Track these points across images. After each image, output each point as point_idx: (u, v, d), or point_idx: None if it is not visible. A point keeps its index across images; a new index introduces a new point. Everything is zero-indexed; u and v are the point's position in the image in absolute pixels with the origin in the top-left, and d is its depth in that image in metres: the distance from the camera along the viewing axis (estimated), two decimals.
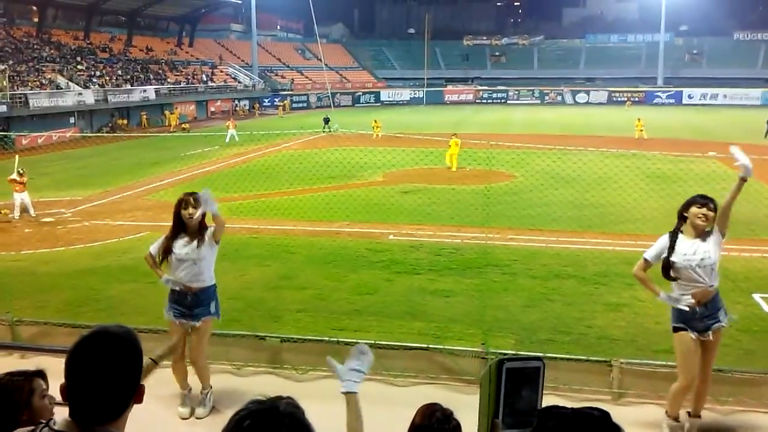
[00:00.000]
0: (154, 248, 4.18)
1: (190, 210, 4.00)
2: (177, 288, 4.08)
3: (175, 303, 4.17)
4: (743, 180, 3.63)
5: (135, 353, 1.30)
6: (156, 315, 5.92)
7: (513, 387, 1.20)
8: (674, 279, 3.73)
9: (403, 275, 8.07)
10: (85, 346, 1.26)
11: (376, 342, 4.95)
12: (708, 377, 3.79)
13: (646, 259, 3.82)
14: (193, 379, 4.33)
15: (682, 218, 3.75)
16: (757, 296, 6.99)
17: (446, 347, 4.89)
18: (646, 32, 59.89)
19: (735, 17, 58.94)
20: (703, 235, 3.69)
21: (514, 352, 4.98)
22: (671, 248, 3.69)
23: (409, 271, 8.23)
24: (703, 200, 3.70)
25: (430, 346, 4.89)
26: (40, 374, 1.86)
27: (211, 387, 4.31)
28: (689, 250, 3.66)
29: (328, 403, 4.56)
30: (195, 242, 4.05)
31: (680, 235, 3.73)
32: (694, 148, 19.91)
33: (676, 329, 3.79)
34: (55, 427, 1.26)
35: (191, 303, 4.13)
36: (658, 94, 49.73)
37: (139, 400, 1.32)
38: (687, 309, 3.66)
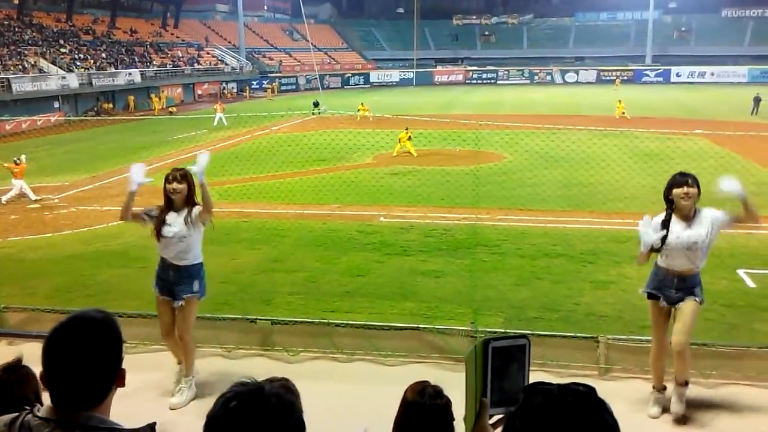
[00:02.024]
0: (142, 210, 4.12)
1: (174, 185, 3.98)
2: (134, 188, 3.97)
3: (159, 277, 4.16)
4: (744, 201, 3.69)
5: (113, 337, 1.29)
6: (146, 300, 5.89)
7: (500, 366, 1.21)
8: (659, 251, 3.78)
9: (394, 257, 8.11)
10: (61, 332, 1.25)
11: (367, 323, 5.00)
12: (681, 343, 3.74)
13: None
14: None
15: (669, 202, 3.78)
16: (741, 272, 7.13)
17: (436, 327, 4.96)
18: (635, 10, 59.52)
19: None
20: (693, 215, 3.72)
21: (503, 330, 5.05)
22: (667, 231, 3.72)
23: (399, 253, 8.27)
24: (683, 178, 3.73)
25: (421, 326, 4.95)
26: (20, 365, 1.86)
27: (194, 376, 4.21)
28: (682, 232, 3.70)
29: (319, 382, 4.62)
30: (182, 219, 4.02)
31: (672, 218, 3.76)
32: (681, 126, 20.03)
33: (649, 295, 3.89)
34: (39, 414, 1.26)
35: (174, 279, 4.09)
36: (647, 72, 49.72)
37: (121, 384, 1.31)
38: (655, 241, 3.67)
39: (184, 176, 4.02)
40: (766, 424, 3.84)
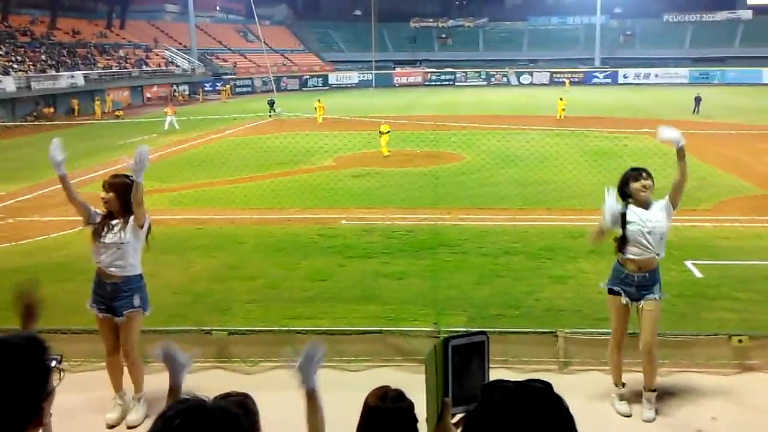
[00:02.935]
0: (86, 205, 3.92)
1: (102, 194, 3.82)
2: (59, 171, 3.77)
3: (95, 293, 3.91)
4: (681, 150, 3.76)
5: (36, 368, 1.12)
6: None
7: (460, 364, 1.20)
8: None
9: (356, 260, 8.01)
10: None
11: (329, 329, 4.89)
12: (649, 343, 3.83)
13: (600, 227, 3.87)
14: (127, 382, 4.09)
15: (625, 196, 3.85)
16: (689, 263, 7.46)
17: (399, 329, 4.90)
18: (583, 14, 62.04)
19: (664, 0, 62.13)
20: (648, 205, 3.82)
21: (465, 329, 5.06)
22: (623, 222, 3.78)
23: (362, 255, 8.18)
24: (637, 173, 3.83)
25: (383, 328, 4.88)
26: None
27: (144, 392, 4.01)
28: (639, 218, 3.78)
29: (279, 392, 4.46)
30: (118, 225, 3.82)
31: (630, 207, 3.83)
32: (629, 125, 20.93)
33: (610, 291, 3.94)
34: None
35: (111, 294, 3.86)
36: (596, 74, 51.85)
37: (39, 424, 1.14)
38: (616, 213, 3.69)
39: (112, 185, 3.82)
40: (716, 409, 3.99)
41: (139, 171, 3.66)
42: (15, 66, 31.75)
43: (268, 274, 7.50)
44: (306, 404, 1.95)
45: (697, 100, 27.65)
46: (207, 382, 4.24)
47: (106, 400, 4.05)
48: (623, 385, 4.04)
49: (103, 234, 3.80)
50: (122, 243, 3.78)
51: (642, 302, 3.85)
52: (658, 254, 3.84)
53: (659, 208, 3.84)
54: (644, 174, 3.82)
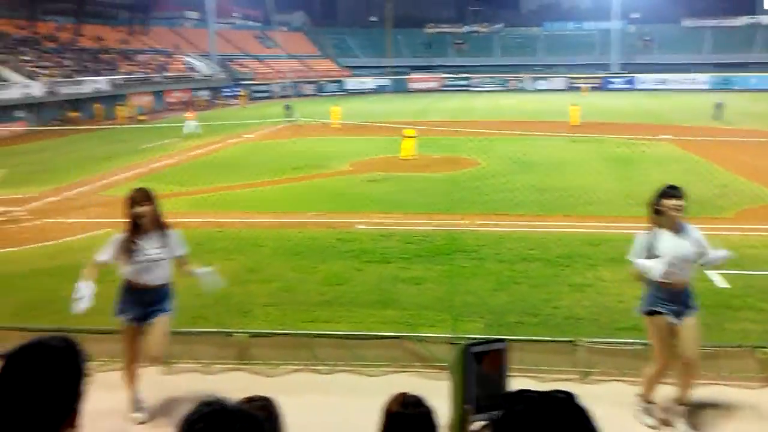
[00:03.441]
0: (107, 256, 3.87)
1: (138, 209, 3.77)
2: (80, 309, 3.77)
3: (128, 302, 3.95)
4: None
5: (72, 371, 1.16)
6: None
7: (480, 371, 1.21)
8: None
9: (373, 264, 8.04)
10: (16, 359, 1.13)
11: (348, 333, 4.93)
12: (696, 356, 3.78)
13: (633, 262, 3.84)
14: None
15: (656, 212, 3.78)
16: (711, 273, 7.33)
17: (417, 334, 4.92)
18: (600, 20, 61.48)
19: (683, 5, 61.16)
20: (679, 226, 3.76)
21: (483, 336, 5.06)
22: (655, 246, 3.72)
23: (379, 260, 8.21)
24: (673, 191, 3.76)
25: (401, 334, 4.90)
26: None
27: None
28: (674, 241, 3.72)
29: (301, 396, 4.52)
30: (157, 240, 3.86)
31: (660, 230, 3.76)
32: (647, 131, 20.67)
33: (651, 312, 3.81)
34: None
35: (147, 303, 3.93)
36: (613, 80, 51.30)
37: (72, 425, 1.17)
38: (661, 275, 3.67)
39: (147, 196, 3.81)
40: (741, 422, 3.92)
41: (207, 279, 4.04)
42: (41, 71, 32.62)
43: (285, 278, 7.57)
44: None
45: (718, 106, 27.20)
46: (229, 384, 4.32)
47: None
48: (650, 401, 3.98)
49: (135, 251, 3.80)
50: (159, 258, 3.83)
51: (684, 318, 3.78)
52: (689, 276, 3.82)
53: (694, 237, 3.78)
54: (680, 193, 3.75)
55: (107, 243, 3.92)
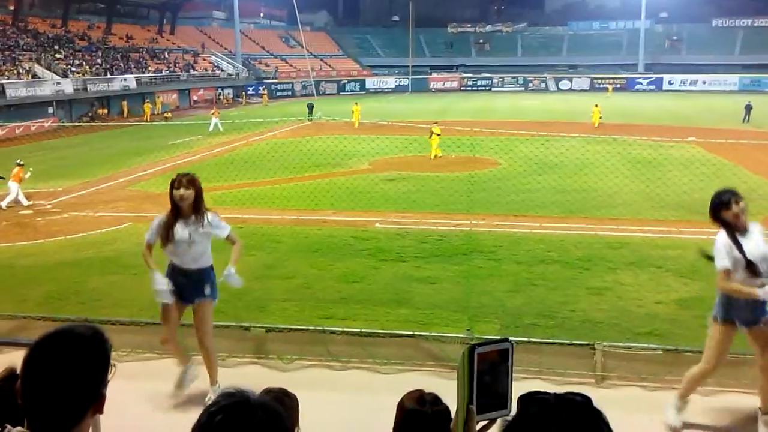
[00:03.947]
0: (150, 236, 4.00)
1: (182, 191, 3.88)
2: (166, 300, 3.95)
3: (172, 284, 4.06)
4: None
5: (99, 357, 1.21)
6: (139, 307, 5.85)
7: (485, 372, 1.21)
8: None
9: (389, 263, 8.08)
10: (44, 345, 1.19)
11: (363, 330, 4.96)
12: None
13: (727, 269, 3.57)
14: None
15: (724, 223, 3.59)
16: None
17: (432, 334, 4.92)
18: (627, 19, 60.23)
19: (713, 4, 59.46)
20: (747, 230, 3.62)
21: (498, 338, 5.03)
22: (740, 247, 3.54)
23: (395, 259, 8.24)
24: (731, 196, 3.58)
25: (416, 333, 4.91)
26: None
27: (219, 384, 4.13)
28: (750, 245, 3.57)
29: (314, 391, 4.57)
30: (193, 224, 3.93)
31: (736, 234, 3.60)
32: (674, 134, 20.18)
33: (726, 321, 3.68)
34: None
35: (184, 283, 4.02)
36: (640, 80, 50.21)
37: (99, 410, 1.22)
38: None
39: (191, 181, 3.91)
40: None
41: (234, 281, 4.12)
42: (73, 69, 33.60)
43: (303, 274, 7.66)
44: None
45: (748, 108, 26.41)
46: (245, 378, 4.40)
47: (152, 390, 4.25)
48: (686, 401, 3.90)
49: (173, 233, 3.92)
50: (195, 242, 3.93)
51: (760, 324, 3.63)
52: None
53: (758, 232, 3.62)
54: (738, 196, 3.57)
55: (151, 224, 4.08)
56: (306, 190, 12.60)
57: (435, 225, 10.09)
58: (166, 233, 3.92)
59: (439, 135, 17.10)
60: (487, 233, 9.46)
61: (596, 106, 25.01)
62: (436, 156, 17.02)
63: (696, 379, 3.88)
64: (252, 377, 4.42)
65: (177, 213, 3.94)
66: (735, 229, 3.59)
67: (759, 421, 3.78)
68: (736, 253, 3.54)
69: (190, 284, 4.03)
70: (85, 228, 10.49)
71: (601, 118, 24.29)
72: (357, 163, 16.18)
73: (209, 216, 3.98)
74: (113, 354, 1.29)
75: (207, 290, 4.06)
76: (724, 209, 3.59)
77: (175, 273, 4.05)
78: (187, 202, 3.89)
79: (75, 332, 1.22)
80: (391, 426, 1.97)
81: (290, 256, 8.53)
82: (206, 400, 4.04)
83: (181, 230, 3.92)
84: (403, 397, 2.07)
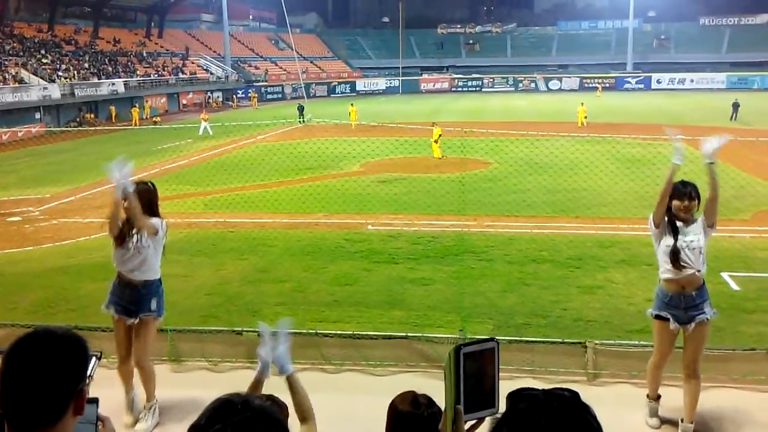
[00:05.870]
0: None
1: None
2: (125, 187, 3.69)
3: (113, 294, 4.01)
4: (710, 164, 3.60)
5: (74, 354, 1.22)
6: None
7: (471, 371, 1.22)
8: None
9: (382, 265, 8.08)
10: (19, 347, 1.20)
11: (356, 333, 4.96)
12: (695, 369, 3.69)
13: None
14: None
15: (668, 210, 3.67)
16: (725, 275, 7.23)
17: (425, 335, 4.93)
18: (615, 18, 60.80)
19: (700, 2, 60.21)
20: (690, 221, 3.70)
21: (485, 337, 5.05)
22: (675, 233, 3.62)
23: (388, 261, 8.24)
24: (683, 191, 3.63)
25: (409, 334, 4.92)
26: None
27: (156, 400, 4.05)
28: (684, 229, 3.65)
29: (309, 394, 4.55)
30: (139, 231, 3.92)
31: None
32: (662, 132, 20.36)
33: (657, 317, 3.74)
34: None
35: (130, 297, 3.95)
36: (628, 79, 50.64)
37: (79, 408, 1.23)
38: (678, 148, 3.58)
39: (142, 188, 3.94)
40: (752, 426, 3.87)
41: (123, 183, 3.66)
42: (60, 74, 33.26)
43: (296, 277, 7.64)
44: (290, 387, 2.08)
45: (735, 105, 26.74)
46: (238, 382, 4.37)
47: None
48: (658, 397, 3.95)
49: (125, 240, 3.90)
50: (143, 248, 3.88)
51: (692, 324, 3.66)
52: (699, 270, 3.66)
53: (698, 223, 3.69)
54: (692, 193, 3.63)
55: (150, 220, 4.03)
56: (297, 193, 12.57)
57: (427, 226, 10.11)
58: (121, 236, 3.90)
59: (441, 135, 17.20)
60: (478, 234, 9.49)
61: (582, 105, 25.18)
62: (443, 156, 17.15)
63: (650, 371, 3.92)
64: (245, 382, 4.39)
65: (129, 220, 3.92)
66: (675, 218, 3.68)
67: (646, 407, 3.89)
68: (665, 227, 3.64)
69: (135, 297, 3.95)
70: (74, 234, 10.39)
71: (586, 117, 24.47)
72: (348, 165, 16.17)
73: (153, 221, 3.96)
74: (103, 361, 1.29)
75: (153, 305, 3.97)
76: (676, 199, 3.65)
77: (121, 285, 3.99)
78: (129, 211, 3.89)
79: (52, 331, 1.24)
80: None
81: (282, 259, 8.51)
82: (141, 415, 3.98)
83: (132, 237, 3.91)
84: (394, 399, 2.07)
